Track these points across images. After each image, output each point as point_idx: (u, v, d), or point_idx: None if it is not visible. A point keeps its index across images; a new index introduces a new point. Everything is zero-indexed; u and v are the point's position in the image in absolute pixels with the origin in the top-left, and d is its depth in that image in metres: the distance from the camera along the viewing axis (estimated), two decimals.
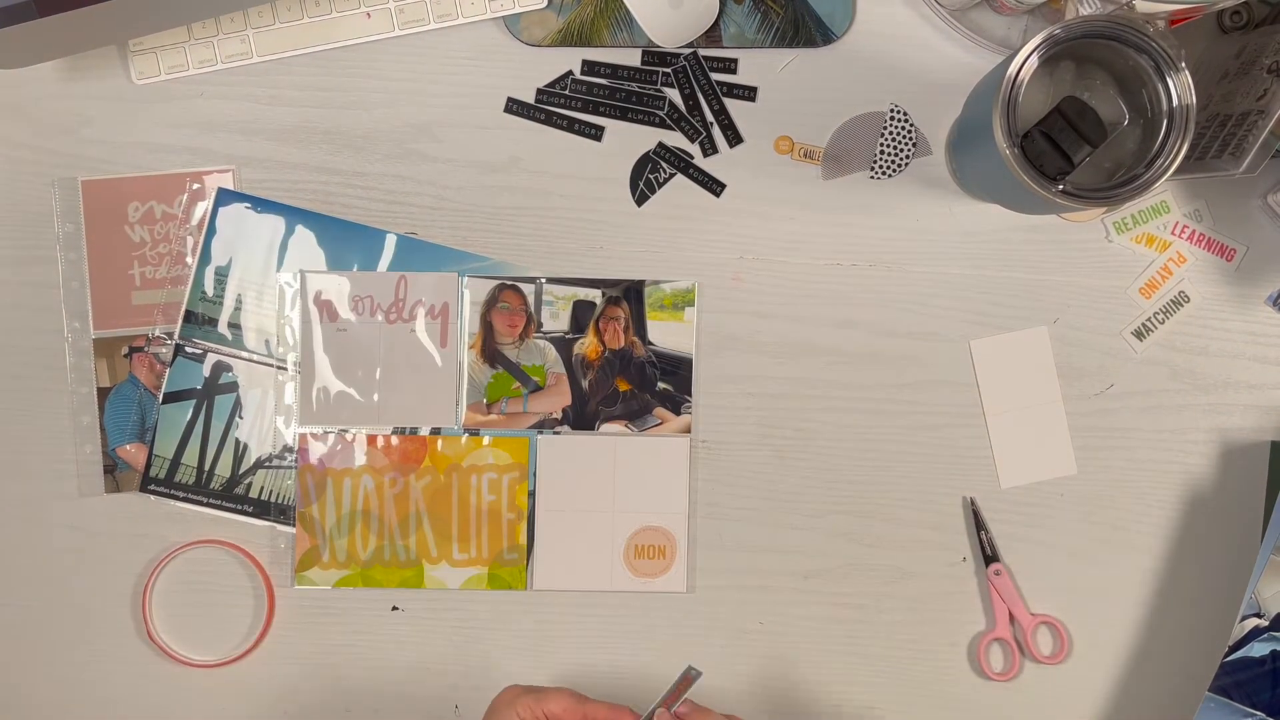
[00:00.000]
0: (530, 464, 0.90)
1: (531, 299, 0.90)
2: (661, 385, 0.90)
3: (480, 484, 0.90)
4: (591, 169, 0.91)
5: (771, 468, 0.91)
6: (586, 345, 0.90)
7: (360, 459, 0.90)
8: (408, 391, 0.90)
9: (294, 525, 0.90)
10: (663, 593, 0.90)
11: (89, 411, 0.90)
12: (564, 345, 0.90)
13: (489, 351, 0.90)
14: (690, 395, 0.90)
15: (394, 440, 0.90)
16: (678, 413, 0.90)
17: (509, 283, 0.90)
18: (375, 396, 0.90)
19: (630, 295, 0.90)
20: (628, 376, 0.90)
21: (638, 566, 0.90)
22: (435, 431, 0.90)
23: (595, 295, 0.90)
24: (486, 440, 0.90)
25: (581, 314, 0.90)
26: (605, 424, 0.90)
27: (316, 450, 0.90)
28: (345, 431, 0.90)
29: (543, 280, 0.90)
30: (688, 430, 0.90)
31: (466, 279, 0.90)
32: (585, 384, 0.90)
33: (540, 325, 0.90)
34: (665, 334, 0.90)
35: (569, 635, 0.90)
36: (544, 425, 0.90)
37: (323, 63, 0.90)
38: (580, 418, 0.90)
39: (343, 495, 0.90)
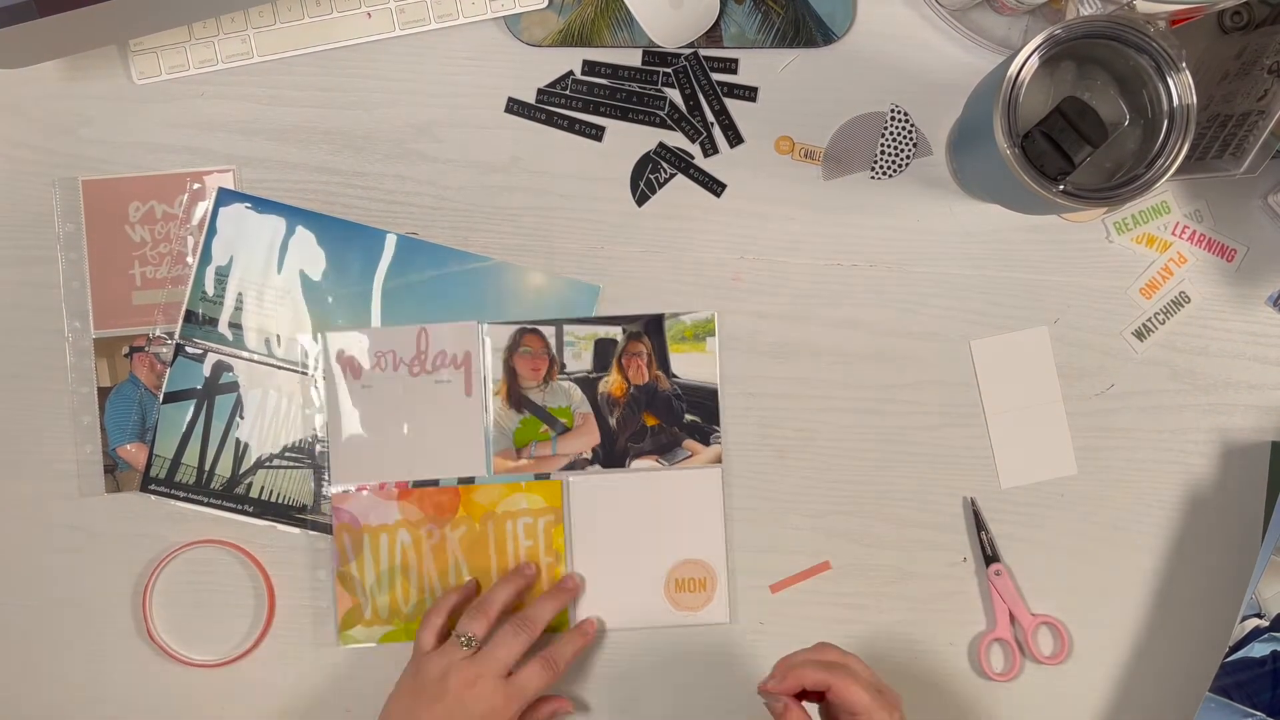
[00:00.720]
0: (564, 506, 0.90)
1: (553, 341, 0.90)
2: (689, 417, 0.90)
3: (516, 529, 0.90)
4: (592, 169, 0.91)
5: (771, 468, 0.91)
6: (611, 383, 0.90)
7: (395, 514, 0.89)
8: (436, 443, 0.90)
9: (295, 526, 0.90)
10: (707, 624, 0.90)
11: (89, 411, 0.90)
12: (589, 385, 0.90)
13: (514, 397, 0.90)
14: (718, 425, 0.90)
15: (426, 493, 0.90)
16: (707, 443, 0.90)
17: (529, 327, 0.90)
18: (405, 450, 0.89)
19: (651, 329, 0.90)
20: (655, 411, 0.90)
21: (679, 600, 0.90)
22: (466, 481, 0.90)
23: (616, 332, 0.90)
24: (519, 485, 0.90)
25: (603, 352, 0.90)
26: (636, 460, 0.90)
27: (351, 508, 0.89)
28: (378, 487, 0.89)
29: (563, 322, 0.90)
30: (718, 460, 0.90)
31: (486, 326, 0.89)
32: (613, 422, 0.90)
33: (563, 366, 0.90)
34: (688, 365, 0.90)
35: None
36: (575, 466, 0.90)
37: (323, 63, 0.90)
38: (610, 456, 0.90)
39: (380, 551, 0.89)
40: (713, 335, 0.90)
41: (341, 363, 0.89)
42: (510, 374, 0.90)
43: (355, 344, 0.89)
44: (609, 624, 0.90)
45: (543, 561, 0.90)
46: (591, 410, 0.90)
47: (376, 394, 0.89)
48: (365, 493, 0.89)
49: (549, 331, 0.90)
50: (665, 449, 0.90)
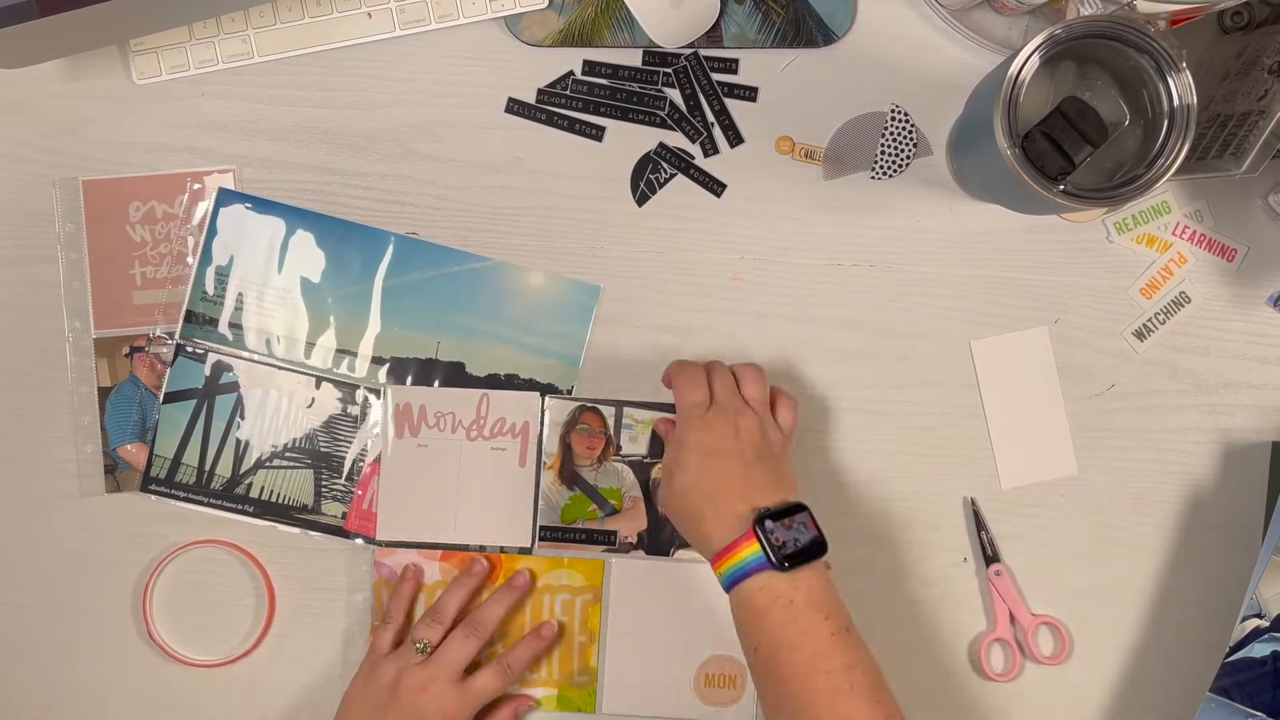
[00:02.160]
0: (604, 586, 0.90)
1: (611, 422, 0.90)
2: None
3: (553, 604, 0.90)
4: (592, 169, 0.91)
5: None
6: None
7: (435, 574, 0.89)
8: (484, 509, 0.89)
9: (295, 526, 0.90)
10: None
11: (90, 411, 0.90)
12: (642, 469, 0.90)
13: (567, 473, 0.90)
14: None
15: (469, 557, 0.89)
16: None
17: (590, 405, 0.90)
18: (452, 513, 0.89)
19: None
20: None
21: (708, 695, 0.89)
22: (510, 551, 0.90)
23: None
24: (562, 561, 0.90)
25: (661, 438, 0.90)
26: (679, 550, 0.89)
27: (392, 564, 0.89)
28: (421, 546, 0.89)
29: (624, 404, 0.90)
30: None
31: (548, 400, 0.89)
32: (661, 509, 0.89)
33: (619, 448, 0.90)
34: None
35: None
36: (619, 549, 0.89)
37: (324, 63, 0.90)
38: (655, 543, 0.89)
39: (417, 611, 0.89)
40: None
41: (400, 418, 0.89)
42: (566, 450, 0.89)
43: (416, 401, 0.89)
44: (636, 710, 0.89)
45: (575, 640, 0.89)
46: (642, 495, 0.89)
47: (432, 453, 0.89)
48: (408, 550, 0.89)
49: (609, 411, 0.90)
50: None
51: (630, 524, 0.89)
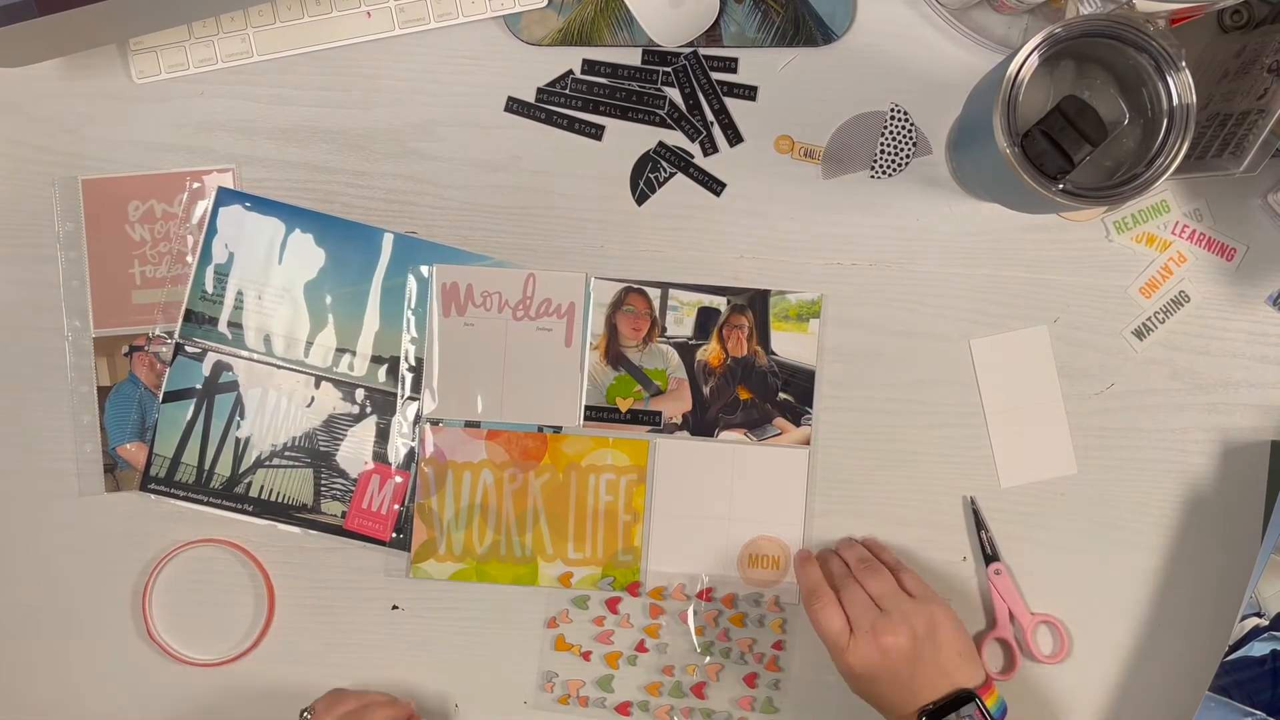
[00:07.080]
0: (649, 466, 0.90)
1: (657, 303, 0.90)
2: (782, 395, 0.90)
3: (598, 484, 0.90)
4: (592, 168, 0.91)
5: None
6: (709, 352, 0.90)
7: (481, 453, 0.90)
8: (530, 389, 0.90)
9: (295, 525, 0.90)
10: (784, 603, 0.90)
11: (89, 410, 0.90)
12: (687, 351, 0.90)
13: (612, 354, 0.90)
14: (810, 407, 0.90)
15: (514, 436, 0.90)
16: (797, 424, 0.90)
17: (635, 286, 0.90)
18: (498, 392, 0.90)
19: (755, 304, 0.90)
20: (749, 385, 0.90)
21: (750, 575, 0.90)
22: (556, 430, 0.90)
23: (720, 302, 0.90)
24: (607, 441, 0.90)
25: (706, 320, 0.90)
26: (724, 431, 0.90)
27: (437, 442, 0.90)
28: (467, 425, 0.90)
29: (669, 285, 0.90)
30: (807, 442, 0.90)
31: (593, 281, 0.90)
32: (706, 390, 0.90)
33: (664, 330, 0.90)
34: (788, 344, 0.90)
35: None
36: (664, 430, 0.90)
37: (323, 62, 0.90)
38: (700, 424, 0.90)
39: (462, 489, 0.90)
40: (816, 317, 0.90)
41: (446, 295, 0.89)
42: (611, 330, 0.90)
43: (463, 281, 0.90)
44: (685, 590, 0.90)
45: (620, 519, 0.90)
46: (686, 377, 0.90)
47: (477, 332, 0.90)
48: (453, 428, 0.90)
49: (654, 293, 0.90)
50: (755, 424, 0.90)
51: (675, 405, 0.90)
